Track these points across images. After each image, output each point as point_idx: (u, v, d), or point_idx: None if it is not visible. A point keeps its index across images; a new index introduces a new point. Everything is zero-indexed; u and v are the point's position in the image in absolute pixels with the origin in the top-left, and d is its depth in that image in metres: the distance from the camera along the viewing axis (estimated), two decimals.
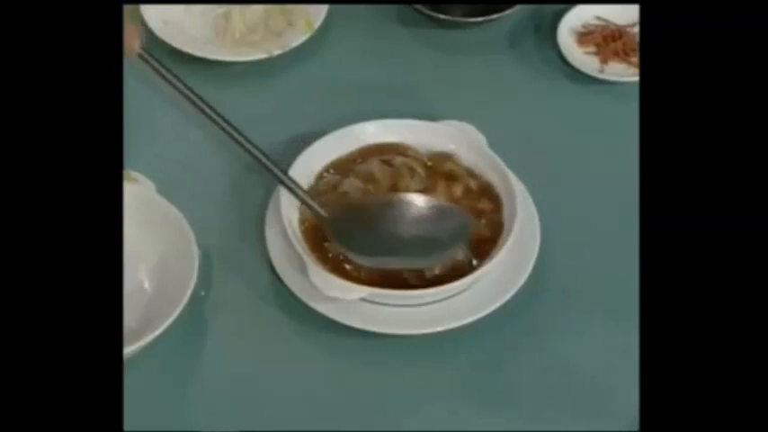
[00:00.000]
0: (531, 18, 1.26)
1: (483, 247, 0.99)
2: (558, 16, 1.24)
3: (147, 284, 0.99)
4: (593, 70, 1.19)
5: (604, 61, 1.20)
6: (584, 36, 1.22)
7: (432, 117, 1.10)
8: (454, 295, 0.98)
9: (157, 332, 0.92)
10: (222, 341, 0.98)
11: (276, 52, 1.19)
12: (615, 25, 1.23)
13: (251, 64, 1.19)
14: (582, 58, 1.20)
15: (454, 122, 1.09)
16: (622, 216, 1.02)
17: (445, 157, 1.07)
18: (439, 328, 0.96)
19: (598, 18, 1.24)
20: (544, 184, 1.07)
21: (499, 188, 1.03)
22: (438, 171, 1.05)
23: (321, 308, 0.97)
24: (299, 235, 0.99)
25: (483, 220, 1.01)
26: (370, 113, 1.09)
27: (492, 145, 1.07)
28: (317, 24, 1.22)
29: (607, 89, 1.19)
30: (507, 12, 1.24)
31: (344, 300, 0.95)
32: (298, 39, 1.21)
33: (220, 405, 0.94)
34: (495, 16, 1.23)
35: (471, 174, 1.05)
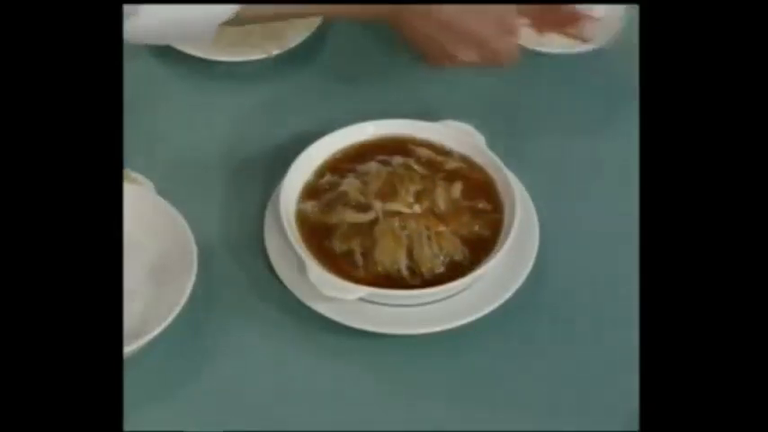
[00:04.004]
0: None
1: (482, 247, 0.99)
2: None
3: (146, 284, 0.99)
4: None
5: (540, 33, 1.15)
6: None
7: (432, 117, 1.10)
8: (453, 295, 0.98)
9: (157, 332, 0.92)
10: (221, 341, 0.98)
11: (275, 52, 1.20)
12: None
13: (250, 64, 1.19)
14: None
15: (454, 122, 1.09)
16: (622, 215, 1.02)
17: (444, 156, 1.07)
18: (438, 328, 0.97)
19: None
20: (544, 184, 1.07)
21: (498, 188, 1.03)
22: (437, 171, 1.05)
23: (320, 308, 0.97)
24: (298, 235, 0.99)
25: (482, 221, 1.01)
26: (370, 113, 1.09)
27: (492, 145, 1.07)
28: (316, 24, 1.22)
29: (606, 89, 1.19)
30: None
31: (344, 300, 0.95)
32: (296, 38, 1.21)
33: (220, 405, 0.94)
34: None
35: (470, 174, 1.05)
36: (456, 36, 1.04)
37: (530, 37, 1.15)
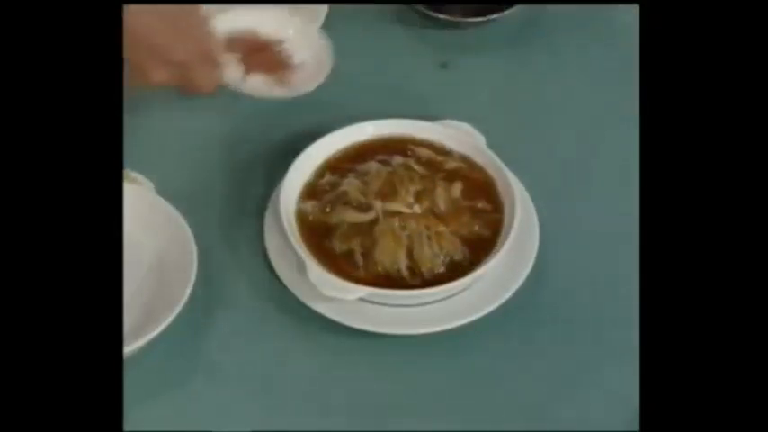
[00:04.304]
0: (531, 18, 1.26)
1: (482, 247, 0.99)
2: (557, 18, 1.24)
3: (146, 284, 0.99)
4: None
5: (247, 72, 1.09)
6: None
7: (432, 117, 1.10)
8: (453, 295, 0.98)
9: (157, 332, 0.92)
10: (221, 341, 0.98)
11: None
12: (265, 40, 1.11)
13: None
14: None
15: (454, 122, 1.09)
16: (622, 216, 1.02)
17: (444, 157, 1.07)
18: (438, 328, 0.97)
19: (248, 30, 1.11)
20: (543, 184, 1.07)
21: (499, 188, 1.03)
22: (437, 171, 1.05)
23: (320, 308, 0.97)
24: (298, 235, 0.99)
25: (482, 221, 1.01)
26: (370, 113, 1.10)
27: (492, 145, 1.07)
28: (318, 25, 1.22)
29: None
30: (507, 12, 1.24)
31: (343, 300, 0.95)
32: None
33: (220, 405, 0.94)
34: (494, 16, 1.24)
35: (470, 174, 1.05)
36: (150, 53, 0.98)
37: (234, 74, 1.08)
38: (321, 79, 1.08)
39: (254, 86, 1.08)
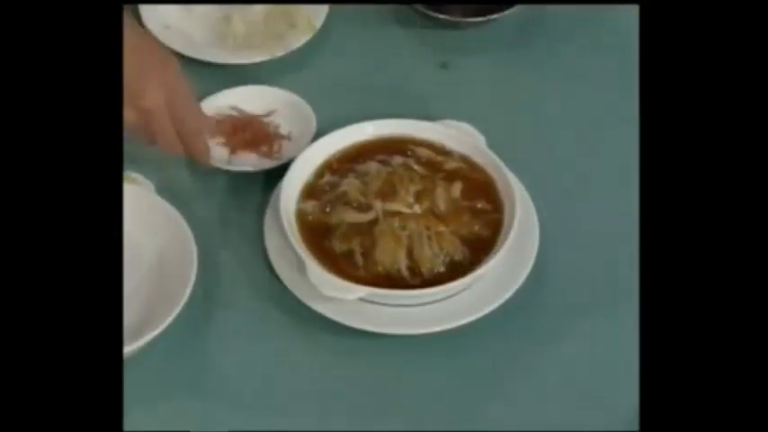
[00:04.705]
0: (531, 18, 1.26)
1: (482, 247, 0.99)
2: (557, 18, 1.24)
3: (146, 284, 0.99)
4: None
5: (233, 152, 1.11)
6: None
7: (431, 117, 1.10)
8: (453, 295, 0.98)
9: (157, 332, 0.92)
10: (221, 341, 0.98)
11: (278, 54, 1.19)
12: (250, 115, 1.13)
13: (253, 66, 1.19)
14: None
15: (454, 122, 1.09)
16: (622, 215, 1.02)
17: (444, 157, 1.07)
18: (438, 328, 0.97)
19: (232, 108, 1.14)
20: (543, 184, 1.07)
21: (498, 188, 1.03)
22: (437, 171, 1.05)
23: (320, 308, 0.97)
24: (298, 235, 0.99)
25: (482, 221, 1.01)
26: (370, 113, 1.10)
27: (492, 145, 1.07)
28: (319, 25, 1.22)
29: None
30: (507, 12, 1.24)
31: (343, 300, 0.95)
32: (299, 40, 1.21)
33: (220, 405, 0.94)
34: (494, 16, 1.24)
35: (470, 174, 1.05)
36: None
37: (221, 154, 1.10)
38: (306, 143, 1.08)
39: (241, 162, 1.10)
